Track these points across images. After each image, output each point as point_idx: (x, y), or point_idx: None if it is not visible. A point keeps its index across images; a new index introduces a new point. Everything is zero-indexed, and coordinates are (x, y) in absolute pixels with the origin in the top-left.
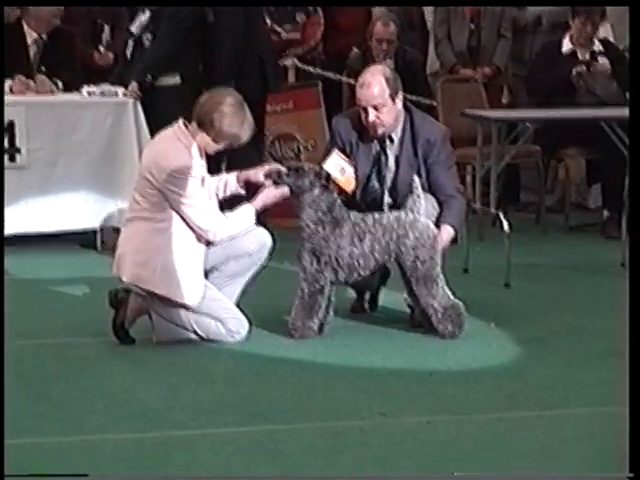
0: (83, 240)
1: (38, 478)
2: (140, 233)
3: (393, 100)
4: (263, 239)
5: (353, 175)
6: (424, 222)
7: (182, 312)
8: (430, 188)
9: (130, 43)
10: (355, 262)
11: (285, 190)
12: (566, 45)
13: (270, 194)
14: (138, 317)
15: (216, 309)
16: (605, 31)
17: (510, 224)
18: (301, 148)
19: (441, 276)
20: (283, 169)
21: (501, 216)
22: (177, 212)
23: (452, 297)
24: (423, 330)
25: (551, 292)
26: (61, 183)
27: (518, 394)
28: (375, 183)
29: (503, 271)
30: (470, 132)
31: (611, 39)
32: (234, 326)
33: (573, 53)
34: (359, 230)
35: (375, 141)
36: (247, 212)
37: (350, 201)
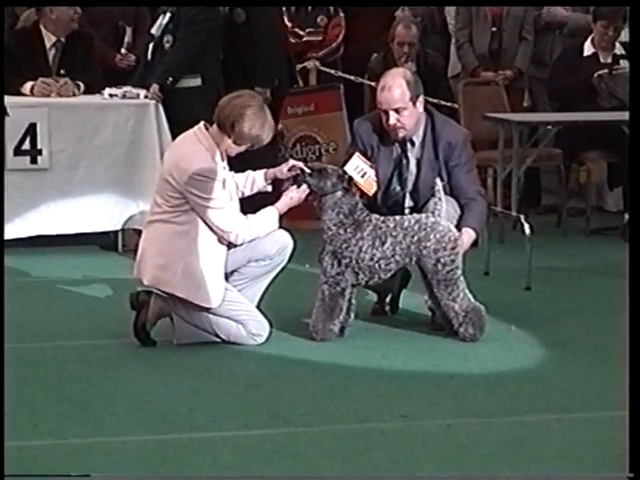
0: (104, 242)
1: (38, 478)
2: (161, 236)
3: (414, 103)
4: (284, 241)
5: (374, 178)
6: (445, 225)
7: (203, 315)
8: (451, 191)
9: (151, 46)
10: (376, 265)
11: (307, 192)
12: (587, 48)
13: (294, 196)
14: (159, 319)
15: (237, 312)
16: (626, 34)
17: (531, 227)
18: (322, 151)
19: (462, 279)
20: (306, 169)
21: (522, 219)
22: (199, 215)
23: (473, 300)
24: (444, 333)
25: (572, 295)
26: (83, 185)
27: (539, 397)
28: (396, 186)
29: (524, 274)
30: (491, 135)
31: None
32: (255, 328)
33: (595, 56)
34: (380, 233)
35: (396, 144)
36: (270, 215)
37: (371, 204)
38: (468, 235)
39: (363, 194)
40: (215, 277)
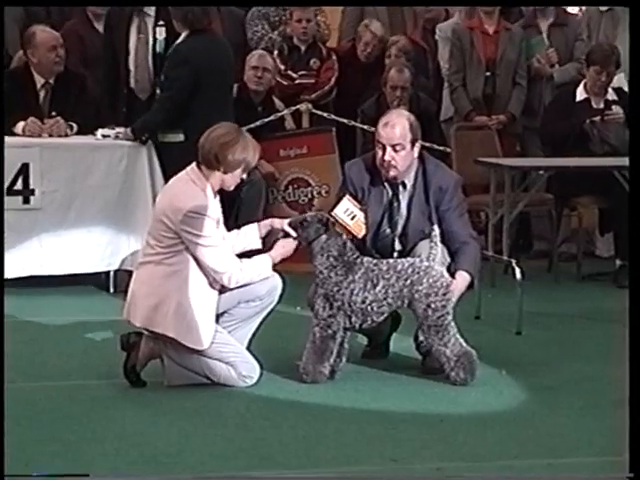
0: (96, 282)
1: (38, 478)
2: (153, 277)
3: (412, 146)
4: (273, 282)
5: (364, 221)
6: (438, 270)
7: (194, 357)
8: (443, 236)
9: (158, 90)
10: (368, 307)
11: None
12: (580, 94)
13: (287, 245)
14: (150, 361)
15: (227, 353)
16: (619, 80)
17: (522, 272)
18: (314, 193)
19: (452, 324)
20: (286, 227)
21: (513, 263)
22: (192, 254)
23: (464, 344)
24: (434, 376)
25: (562, 340)
26: (75, 225)
27: (529, 442)
28: (386, 229)
29: (515, 319)
30: (483, 179)
31: (625, 88)
32: (245, 370)
33: (587, 101)
34: (372, 275)
35: (387, 187)
36: (264, 262)
37: (360, 247)
38: (463, 278)
39: (353, 237)
40: (206, 319)
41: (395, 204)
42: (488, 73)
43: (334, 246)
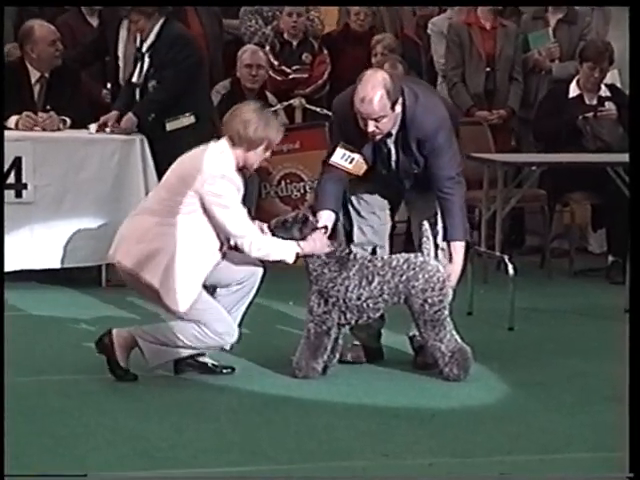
0: (88, 276)
1: (38, 478)
2: (151, 227)
3: (393, 108)
4: (253, 269)
5: (362, 160)
6: (434, 264)
7: (163, 326)
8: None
9: (137, 92)
10: (364, 304)
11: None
12: (573, 90)
13: (320, 242)
14: (130, 352)
15: (202, 313)
16: (612, 77)
17: (515, 268)
18: (307, 188)
19: (449, 320)
20: (266, 230)
21: (506, 259)
22: (212, 218)
23: (460, 341)
24: (426, 372)
25: (554, 336)
26: (67, 219)
27: (520, 437)
28: (382, 170)
29: (507, 314)
30: (476, 175)
31: (618, 85)
32: (221, 328)
33: (580, 97)
34: (367, 272)
35: None
36: (289, 246)
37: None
38: (458, 250)
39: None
40: (193, 284)
41: (385, 149)
42: (488, 69)
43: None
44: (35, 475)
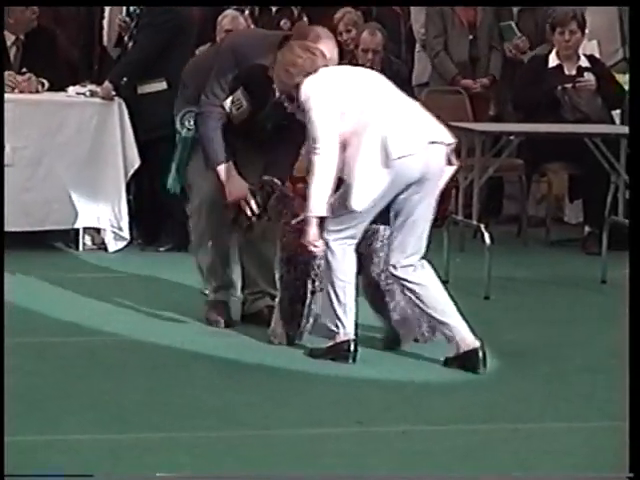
0: (65, 240)
1: (38, 478)
2: None
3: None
4: None
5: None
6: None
7: None
8: None
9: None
10: None
11: None
12: (552, 60)
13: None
14: None
15: None
16: (591, 48)
17: (491, 236)
18: None
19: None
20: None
21: (482, 228)
22: None
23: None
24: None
25: (530, 305)
26: (44, 182)
27: (495, 406)
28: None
29: (483, 283)
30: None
31: (597, 55)
32: None
33: (559, 67)
34: None
35: None
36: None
37: None
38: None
39: None
40: None
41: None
42: (471, 36)
43: (290, 208)
44: (36, 475)
